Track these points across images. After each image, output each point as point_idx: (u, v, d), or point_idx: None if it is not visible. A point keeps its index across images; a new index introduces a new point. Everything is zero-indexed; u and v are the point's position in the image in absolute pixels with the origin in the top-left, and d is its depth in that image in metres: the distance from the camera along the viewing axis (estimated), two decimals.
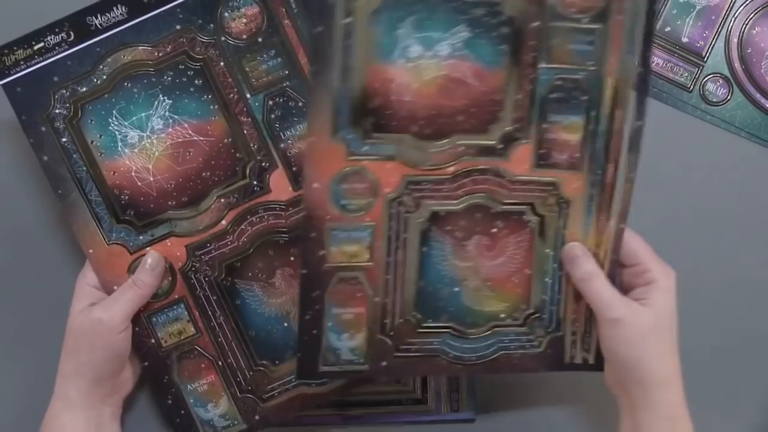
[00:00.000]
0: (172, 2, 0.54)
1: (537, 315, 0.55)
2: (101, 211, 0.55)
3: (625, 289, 0.54)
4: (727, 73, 0.64)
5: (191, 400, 0.55)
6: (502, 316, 0.54)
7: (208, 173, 0.55)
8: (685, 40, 0.64)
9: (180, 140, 0.55)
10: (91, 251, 0.55)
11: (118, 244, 0.55)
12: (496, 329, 0.54)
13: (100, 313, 0.53)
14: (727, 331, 0.64)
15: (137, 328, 0.55)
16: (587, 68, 0.51)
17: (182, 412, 0.55)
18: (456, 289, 0.54)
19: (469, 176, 0.52)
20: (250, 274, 0.56)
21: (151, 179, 0.55)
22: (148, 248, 0.55)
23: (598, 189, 0.53)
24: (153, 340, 0.56)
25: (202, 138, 0.55)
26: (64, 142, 0.55)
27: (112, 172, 0.55)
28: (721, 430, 0.63)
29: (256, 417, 0.56)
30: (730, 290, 0.64)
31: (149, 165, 0.55)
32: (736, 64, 0.64)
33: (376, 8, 0.49)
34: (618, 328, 0.51)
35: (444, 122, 0.51)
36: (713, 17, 0.64)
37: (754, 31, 0.64)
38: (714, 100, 0.64)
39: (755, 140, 0.64)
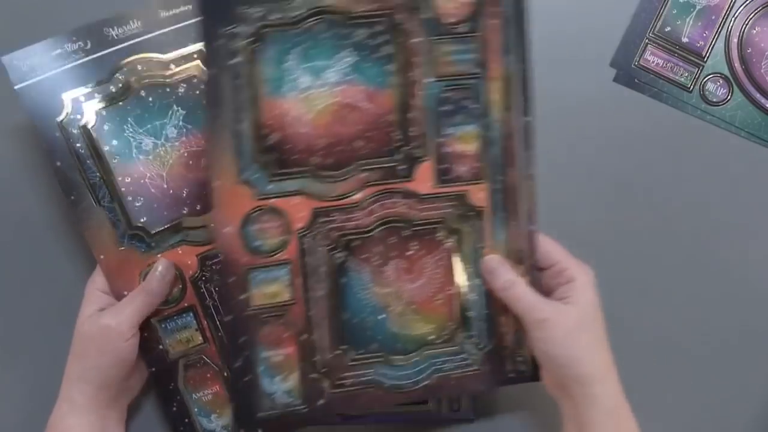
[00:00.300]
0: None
1: (466, 333, 0.54)
2: (114, 218, 0.55)
3: (546, 291, 0.54)
4: (727, 73, 0.64)
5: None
6: (432, 337, 0.54)
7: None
8: (685, 40, 0.64)
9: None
10: (102, 257, 0.55)
11: (130, 250, 0.55)
12: (427, 352, 0.54)
13: (109, 319, 0.53)
14: (727, 330, 0.64)
15: (146, 334, 0.55)
16: (472, 76, 0.52)
17: (186, 420, 0.55)
18: (381, 316, 0.54)
19: (377, 201, 0.52)
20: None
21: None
22: (159, 255, 0.55)
23: (503, 195, 0.53)
24: (161, 347, 0.55)
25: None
26: (78, 147, 0.55)
27: (126, 178, 0.55)
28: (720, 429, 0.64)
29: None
30: (731, 290, 0.64)
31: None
32: (736, 64, 0.64)
33: (261, 45, 0.50)
34: (545, 329, 0.51)
35: (343, 150, 0.52)
36: (713, 17, 0.64)
37: (754, 31, 0.64)
38: (714, 100, 0.64)
39: (755, 140, 0.64)
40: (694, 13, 0.64)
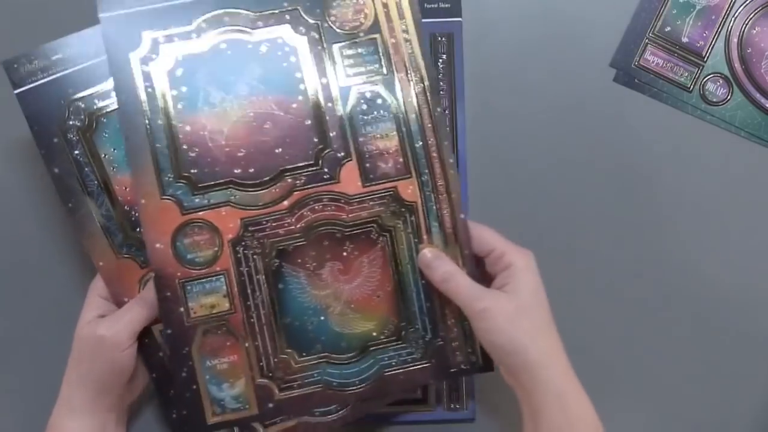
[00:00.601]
0: None
1: (410, 327, 0.55)
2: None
3: (488, 280, 0.54)
4: (727, 73, 0.64)
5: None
6: (374, 334, 0.55)
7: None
8: (685, 40, 0.64)
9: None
10: (101, 264, 0.55)
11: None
12: (372, 349, 0.55)
13: (104, 330, 0.52)
14: (727, 330, 0.64)
15: (146, 340, 0.55)
16: (380, 75, 0.54)
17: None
18: (322, 317, 0.54)
19: (306, 206, 0.53)
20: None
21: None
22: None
23: (432, 188, 0.54)
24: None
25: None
26: (77, 154, 0.55)
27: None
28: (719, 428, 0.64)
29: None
30: (731, 289, 0.64)
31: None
32: (736, 64, 0.64)
33: (170, 68, 0.52)
34: (486, 318, 0.51)
35: (265, 158, 0.53)
36: (713, 17, 0.64)
37: (754, 31, 0.64)
38: (714, 100, 0.64)
39: (755, 140, 0.64)
40: (694, 13, 0.64)
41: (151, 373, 0.56)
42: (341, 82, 0.54)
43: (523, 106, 0.65)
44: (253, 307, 0.53)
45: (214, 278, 0.53)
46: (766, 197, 0.64)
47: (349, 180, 0.53)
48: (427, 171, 0.54)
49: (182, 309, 0.53)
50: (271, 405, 0.54)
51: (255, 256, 0.53)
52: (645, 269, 0.64)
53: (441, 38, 0.63)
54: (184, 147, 0.52)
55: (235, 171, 0.53)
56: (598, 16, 0.65)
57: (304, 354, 0.54)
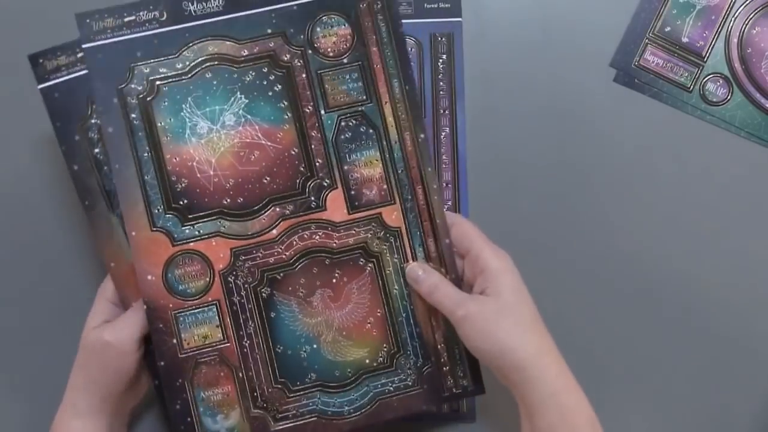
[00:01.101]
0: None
1: (401, 354, 0.55)
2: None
3: (469, 285, 0.54)
4: (727, 73, 0.64)
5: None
6: (367, 361, 0.55)
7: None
8: (685, 40, 0.64)
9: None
10: (113, 264, 0.55)
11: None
12: (365, 377, 0.55)
13: (110, 335, 0.53)
14: (727, 331, 0.64)
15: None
16: (364, 103, 0.55)
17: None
18: (314, 346, 0.54)
19: (294, 234, 0.54)
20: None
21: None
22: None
23: (416, 214, 0.55)
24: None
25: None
26: (97, 153, 0.55)
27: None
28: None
29: None
30: (731, 289, 0.64)
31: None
32: (736, 64, 0.64)
33: (156, 99, 0.53)
34: (468, 324, 0.51)
35: (252, 188, 0.54)
36: (713, 17, 0.64)
37: (754, 31, 0.64)
38: (714, 100, 0.64)
39: (755, 140, 0.64)
40: (694, 13, 0.64)
41: (159, 360, 0.54)
42: (326, 109, 0.54)
43: (523, 106, 0.65)
44: (246, 336, 0.54)
45: (206, 308, 0.53)
46: (766, 197, 0.64)
47: (335, 207, 0.54)
48: (410, 197, 0.55)
49: (175, 341, 0.53)
50: None
51: (246, 285, 0.54)
52: (645, 269, 0.64)
53: (441, 38, 0.63)
54: (173, 178, 0.53)
55: (224, 201, 0.54)
56: (598, 16, 0.65)
57: (297, 383, 0.54)
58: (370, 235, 0.54)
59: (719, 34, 0.64)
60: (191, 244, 0.53)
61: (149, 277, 0.53)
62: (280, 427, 0.54)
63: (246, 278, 0.54)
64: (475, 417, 0.62)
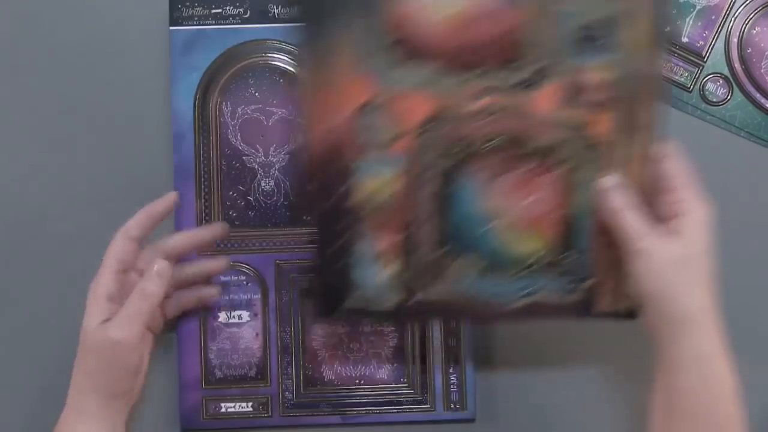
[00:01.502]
0: None
1: (568, 261, 0.53)
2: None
3: (660, 219, 0.52)
4: (727, 73, 0.64)
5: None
6: (532, 260, 0.53)
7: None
8: (685, 40, 0.64)
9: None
10: None
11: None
12: (525, 273, 0.53)
13: (116, 332, 0.52)
14: (728, 331, 0.63)
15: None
16: (617, 4, 0.50)
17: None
18: (486, 227, 0.52)
19: (497, 113, 0.51)
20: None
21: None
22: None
23: (628, 131, 0.52)
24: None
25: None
26: None
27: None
28: None
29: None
30: (730, 290, 0.63)
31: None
32: (736, 64, 0.64)
33: None
34: (644, 259, 0.49)
35: (472, 55, 0.50)
36: (713, 17, 0.64)
37: (754, 31, 0.64)
38: (714, 100, 0.64)
39: (755, 140, 0.64)
40: (694, 13, 0.64)
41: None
42: (571, 5, 0.51)
43: None
44: (419, 199, 0.52)
45: (388, 162, 0.51)
46: (766, 197, 0.64)
47: (549, 98, 0.51)
48: (628, 113, 0.52)
49: (346, 186, 0.51)
50: (411, 301, 0.53)
51: (433, 150, 0.51)
52: None
53: None
54: (392, 28, 0.50)
55: (439, 60, 0.50)
56: None
57: (458, 258, 0.52)
58: (573, 138, 0.52)
59: (719, 33, 0.64)
60: (395, 90, 0.50)
61: (339, 117, 0.50)
62: (428, 295, 0.53)
63: (437, 142, 0.51)
64: (474, 417, 0.62)
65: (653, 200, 0.52)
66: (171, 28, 0.58)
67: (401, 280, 0.52)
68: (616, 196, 0.52)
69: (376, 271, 0.52)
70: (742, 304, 0.63)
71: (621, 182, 0.52)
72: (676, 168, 0.52)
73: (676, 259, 0.49)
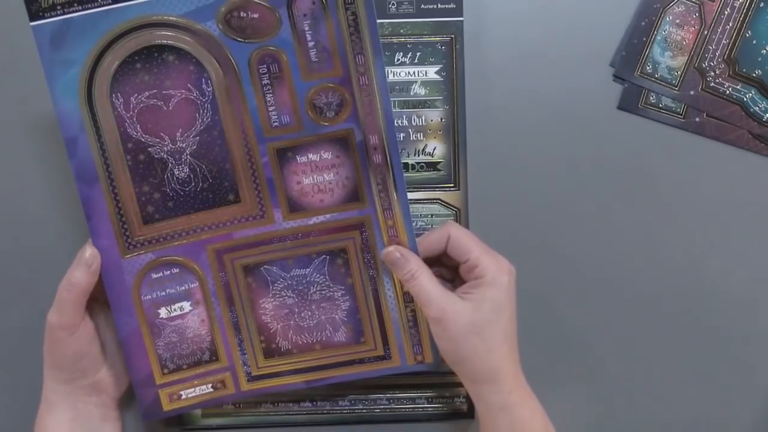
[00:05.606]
0: None
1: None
2: None
3: (460, 284, 0.55)
4: None
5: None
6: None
7: None
8: None
9: None
10: None
11: None
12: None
13: (52, 317, 0.53)
14: (726, 332, 0.65)
15: None
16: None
17: None
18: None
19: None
20: None
21: None
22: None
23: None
24: None
25: None
26: None
27: None
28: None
29: None
30: (730, 291, 0.65)
31: None
32: None
33: None
34: (440, 325, 0.52)
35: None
36: None
37: None
38: None
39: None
40: None
41: None
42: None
43: (524, 105, 0.64)
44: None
45: None
46: (766, 199, 0.64)
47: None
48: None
49: None
50: (692, 92, 0.61)
51: None
52: (644, 270, 0.65)
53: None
54: None
55: None
56: (598, 16, 0.64)
57: (743, 69, 0.58)
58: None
59: None
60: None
61: None
62: (708, 92, 0.58)
63: None
64: (474, 415, 0.63)
65: (456, 267, 0.56)
66: (32, 23, 0.50)
67: (686, 74, 0.59)
68: (404, 265, 0.54)
69: (670, 57, 0.59)
70: (742, 306, 0.65)
71: (405, 251, 0.54)
72: (467, 235, 0.54)
73: (467, 323, 0.51)
